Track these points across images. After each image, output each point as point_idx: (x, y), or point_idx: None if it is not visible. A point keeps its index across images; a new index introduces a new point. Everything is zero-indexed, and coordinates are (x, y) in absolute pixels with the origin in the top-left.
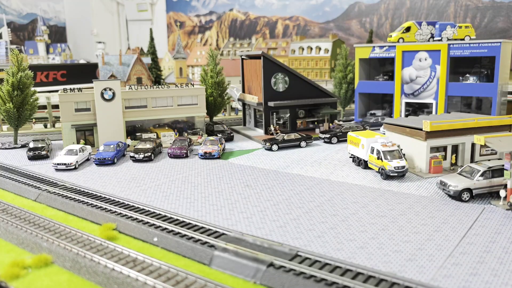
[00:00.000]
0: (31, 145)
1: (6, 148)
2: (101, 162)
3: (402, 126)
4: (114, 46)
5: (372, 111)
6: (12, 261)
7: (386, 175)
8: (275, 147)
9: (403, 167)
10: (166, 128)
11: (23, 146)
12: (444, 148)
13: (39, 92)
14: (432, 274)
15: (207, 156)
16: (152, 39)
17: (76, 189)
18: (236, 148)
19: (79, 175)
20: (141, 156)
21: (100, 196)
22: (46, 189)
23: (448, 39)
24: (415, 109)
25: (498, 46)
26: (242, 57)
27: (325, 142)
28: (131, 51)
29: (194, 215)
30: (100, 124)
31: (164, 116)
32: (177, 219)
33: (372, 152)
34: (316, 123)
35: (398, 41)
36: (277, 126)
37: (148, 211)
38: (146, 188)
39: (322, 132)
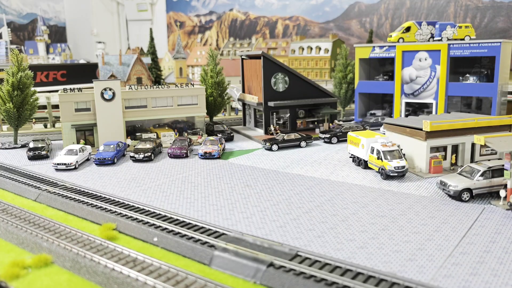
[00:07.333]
0: (31, 145)
1: (6, 148)
2: (101, 162)
3: (402, 126)
4: (114, 46)
5: (372, 111)
6: (12, 261)
7: (386, 175)
8: (275, 147)
9: (403, 167)
10: (166, 128)
11: (23, 146)
12: (444, 148)
13: (39, 92)
14: (432, 274)
15: (207, 156)
16: (152, 39)
17: (76, 189)
18: (236, 148)
19: (79, 175)
20: (141, 156)
21: (100, 196)
22: (46, 189)
23: (448, 39)
24: (415, 109)
25: (498, 46)
26: (242, 57)
27: (325, 142)
28: (131, 51)
29: (194, 215)
30: (100, 124)
31: (164, 116)
32: (177, 219)
33: (372, 152)
34: (316, 123)
35: (398, 41)
36: (277, 126)
37: (148, 211)
38: (146, 188)
39: (322, 132)
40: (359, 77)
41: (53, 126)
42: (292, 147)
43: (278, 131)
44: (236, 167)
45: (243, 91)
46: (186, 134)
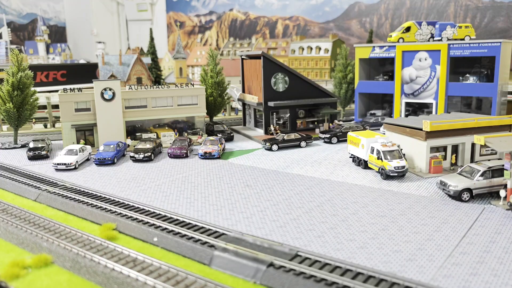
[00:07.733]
0: (31, 145)
1: (6, 148)
2: (101, 162)
3: (402, 126)
4: (114, 46)
5: (372, 111)
6: (12, 261)
7: (386, 175)
8: (275, 147)
9: (403, 167)
10: (166, 128)
11: (23, 146)
12: (444, 148)
13: (39, 92)
14: (432, 274)
15: (207, 156)
16: (152, 39)
17: (76, 189)
18: (236, 148)
19: (79, 175)
20: (141, 156)
21: (100, 196)
22: (46, 189)
23: (448, 39)
24: (415, 109)
25: (498, 46)
26: (242, 57)
27: (325, 142)
28: (131, 51)
29: (194, 215)
30: (100, 124)
31: (164, 116)
32: (177, 219)
33: (372, 152)
34: (316, 123)
35: (398, 41)
36: (277, 126)
37: (148, 211)
38: (146, 188)
39: (322, 132)
40: (359, 77)
41: (53, 126)
42: (292, 147)
43: (278, 131)
44: (236, 167)
45: (243, 91)
46: (186, 134)
